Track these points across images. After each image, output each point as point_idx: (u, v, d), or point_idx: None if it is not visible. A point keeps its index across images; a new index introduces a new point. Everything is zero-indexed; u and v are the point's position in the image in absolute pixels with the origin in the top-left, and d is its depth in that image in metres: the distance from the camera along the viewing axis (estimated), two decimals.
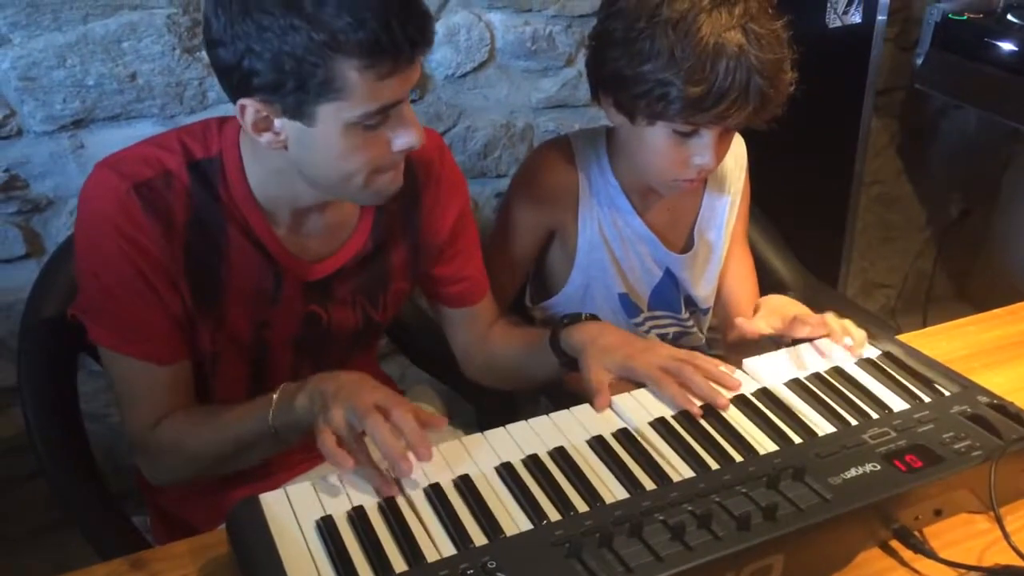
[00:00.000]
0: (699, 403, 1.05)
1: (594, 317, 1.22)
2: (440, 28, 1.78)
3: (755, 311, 1.31)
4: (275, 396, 1.02)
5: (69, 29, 1.53)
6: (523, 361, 1.28)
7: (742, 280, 1.47)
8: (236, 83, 0.94)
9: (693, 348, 1.50)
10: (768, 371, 1.13)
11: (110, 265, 1.02)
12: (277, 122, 0.96)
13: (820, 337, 1.19)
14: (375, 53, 0.90)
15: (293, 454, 1.23)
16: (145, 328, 1.05)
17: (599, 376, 1.10)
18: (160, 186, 1.02)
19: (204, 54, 1.58)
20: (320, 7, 0.88)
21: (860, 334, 1.18)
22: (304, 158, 0.99)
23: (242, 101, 0.95)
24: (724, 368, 1.11)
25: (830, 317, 1.19)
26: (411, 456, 0.91)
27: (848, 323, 1.19)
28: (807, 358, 1.16)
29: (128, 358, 1.06)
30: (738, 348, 1.43)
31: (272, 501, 0.88)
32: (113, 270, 1.02)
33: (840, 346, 1.16)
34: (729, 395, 1.07)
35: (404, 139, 0.99)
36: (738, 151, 1.41)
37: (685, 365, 1.09)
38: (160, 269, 1.03)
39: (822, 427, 1.02)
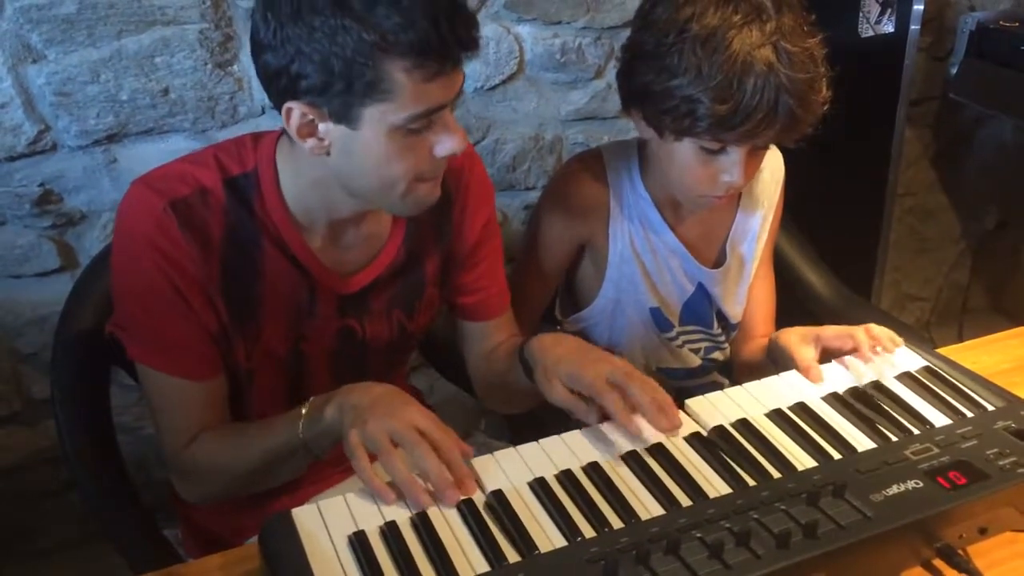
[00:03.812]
0: (732, 419, 1.02)
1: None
2: None
3: (770, 347, 1.27)
4: (304, 410, 1.02)
5: (103, 45, 1.54)
6: (509, 376, 1.21)
7: (761, 300, 1.46)
8: (283, 87, 0.94)
9: (721, 363, 1.50)
10: (805, 385, 1.11)
11: (147, 283, 1.02)
12: (322, 126, 0.96)
13: (851, 351, 1.16)
14: (423, 53, 0.91)
15: (323, 467, 1.23)
16: (182, 345, 1.06)
17: (564, 393, 1.04)
18: (196, 203, 1.03)
19: (236, 68, 1.63)
20: (371, 8, 0.89)
21: (886, 331, 1.16)
22: (346, 165, 0.99)
23: (288, 104, 0.95)
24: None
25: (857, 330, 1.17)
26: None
27: (870, 326, 1.17)
28: (845, 372, 1.14)
29: (165, 375, 1.07)
30: (750, 366, 1.42)
31: (304, 516, 0.88)
32: (150, 288, 1.02)
33: (870, 358, 1.14)
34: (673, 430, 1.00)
35: (447, 144, 0.99)
36: (775, 165, 1.40)
37: (633, 379, 1.02)
38: (197, 286, 1.03)
39: (862, 443, 1.00)
